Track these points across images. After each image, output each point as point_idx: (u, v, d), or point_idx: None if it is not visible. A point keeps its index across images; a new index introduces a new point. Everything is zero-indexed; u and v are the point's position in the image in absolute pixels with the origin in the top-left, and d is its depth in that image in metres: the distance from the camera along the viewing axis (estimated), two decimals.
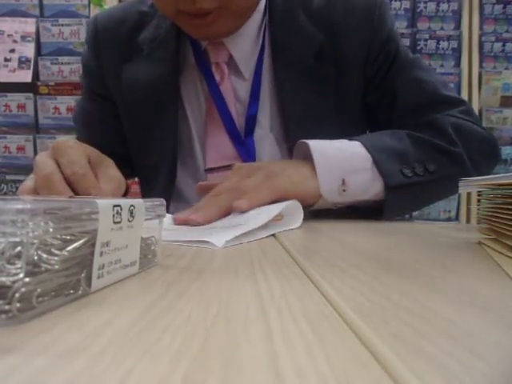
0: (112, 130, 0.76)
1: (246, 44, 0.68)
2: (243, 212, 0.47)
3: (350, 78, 0.69)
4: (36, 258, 0.16)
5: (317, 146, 0.56)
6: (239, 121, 0.69)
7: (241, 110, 0.69)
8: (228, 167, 0.66)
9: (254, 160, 0.68)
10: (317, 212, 0.61)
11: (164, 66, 0.69)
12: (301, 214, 0.48)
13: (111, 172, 0.51)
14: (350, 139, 0.59)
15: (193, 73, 0.71)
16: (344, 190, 0.55)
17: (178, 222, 0.48)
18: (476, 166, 0.62)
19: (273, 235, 0.41)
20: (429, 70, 0.74)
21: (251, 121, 0.69)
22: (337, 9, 0.68)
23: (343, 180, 0.55)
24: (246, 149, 0.68)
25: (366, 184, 0.56)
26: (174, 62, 0.69)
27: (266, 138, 0.70)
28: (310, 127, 0.66)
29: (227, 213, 0.49)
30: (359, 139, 0.58)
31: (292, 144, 0.65)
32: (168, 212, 0.68)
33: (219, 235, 0.37)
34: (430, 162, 0.58)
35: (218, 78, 0.68)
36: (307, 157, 0.57)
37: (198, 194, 0.59)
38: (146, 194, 0.78)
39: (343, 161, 0.56)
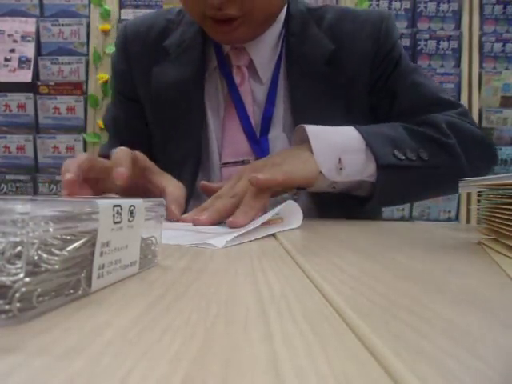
0: (139, 132, 0.81)
1: (265, 51, 0.74)
2: None
3: (357, 86, 0.74)
4: (36, 257, 0.16)
5: (313, 128, 0.60)
6: (255, 121, 0.74)
7: (257, 111, 0.75)
8: (242, 162, 0.72)
9: None
10: (317, 213, 0.62)
11: (190, 69, 0.75)
12: (300, 215, 0.48)
13: (175, 181, 0.58)
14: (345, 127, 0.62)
15: (215, 75, 0.76)
16: (341, 169, 0.58)
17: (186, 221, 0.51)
18: (471, 162, 0.64)
19: (273, 235, 0.41)
20: (427, 77, 0.79)
21: (267, 122, 0.74)
22: (347, 24, 0.75)
23: (339, 159, 0.58)
24: (260, 147, 0.73)
25: (361, 164, 0.59)
26: (199, 65, 0.75)
27: (279, 137, 0.74)
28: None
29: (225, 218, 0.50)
30: (353, 126, 0.62)
31: None
32: (187, 210, 0.71)
33: (219, 236, 0.37)
34: (422, 150, 0.61)
35: (238, 80, 0.74)
36: (305, 140, 0.60)
37: (201, 191, 0.62)
38: None
39: (338, 141, 0.59)
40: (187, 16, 0.76)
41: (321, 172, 0.56)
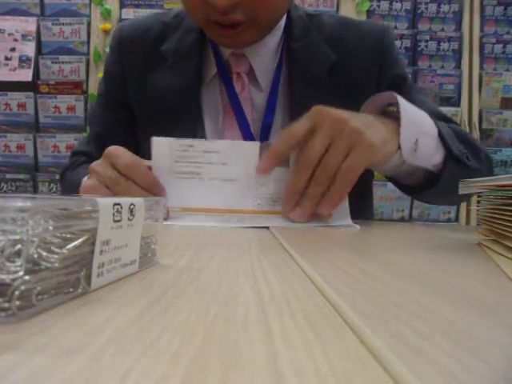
0: (121, 138, 0.79)
1: (265, 57, 0.74)
2: None
3: (360, 94, 0.73)
4: (36, 256, 0.15)
5: (403, 100, 0.57)
6: (254, 128, 0.73)
7: (256, 118, 0.74)
8: None
9: None
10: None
11: (187, 78, 0.74)
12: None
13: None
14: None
15: (214, 83, 0.75)
16: (415, 150, 0.56)
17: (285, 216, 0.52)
18: (485, 173, 0.68)
19: (272, 235, 0.41)
20: (428, 96, 0.84)
21: (266, 129, 0.73)
22: (349, 33, 0.75)
23: (417, 140, 0.56)
24: None
25: (432, 151, 0.58)
26: (196, 74, 0.74)
27: None
28: None
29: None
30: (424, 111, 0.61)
31: None
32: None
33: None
34: (467, 152, 0.62)
35: (238, 87, 0.73)
36: (379, 111, 0.59)
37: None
38: None
39: (419, 121, 0.58)
40: (185, 20, 0.76)
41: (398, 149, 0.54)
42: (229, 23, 0.62)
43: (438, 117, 0.72)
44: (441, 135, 0.59)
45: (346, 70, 0.73)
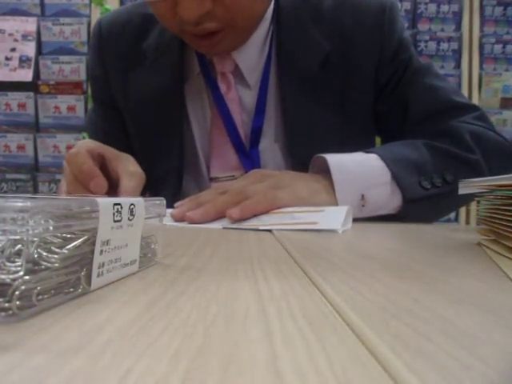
0: (118, 142, 0.74)
1: (252, 53, 0.67)
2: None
3: (358, 86, 0.67)
4: (36, 256, 0.16)
5: (335, 161, 0.54)
6: (244, 130, 0.68)
7: (246, 120, 0.68)
8: (232, 178, 0.67)
9: None
10: None
11: (168, 75, 0.68)
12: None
13: (131, 168, 0.53)
14: (367, 151, 0.57)
15: (198, 82, 0.70)
16: (363, 206, 0.53)
17: (176, 219, 0.50)
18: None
19: (273, 235, 0.41)
20: (441, 77, 0.72)
21: (256, 132, 0.68)
22: (346, 13, 0.67)
23: (362, 195, 0.53)
24: (250, 160, 0.67)
25: (386, 198, 0.54)
26: (178, 71, 0.68)
27: (271, 148, 0.69)
28: (314, 138, 0.66)
29: (223, 216, 0.49)
30: (376, 152, 0.56)
31: (297, 155, 0.65)
32: None
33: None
34: (448, 172, 0.57)
35: (223, 87, 0.68)
36: (323, 171, 0.55)
37: None
38: None
39: (362, 176, 0.54)
40: None
41: None
42: (204, 33, 0.57)
43: (450, 107, 0.65)
44: (395, 177, 0.54)
45: (342, 61, 0.66)
